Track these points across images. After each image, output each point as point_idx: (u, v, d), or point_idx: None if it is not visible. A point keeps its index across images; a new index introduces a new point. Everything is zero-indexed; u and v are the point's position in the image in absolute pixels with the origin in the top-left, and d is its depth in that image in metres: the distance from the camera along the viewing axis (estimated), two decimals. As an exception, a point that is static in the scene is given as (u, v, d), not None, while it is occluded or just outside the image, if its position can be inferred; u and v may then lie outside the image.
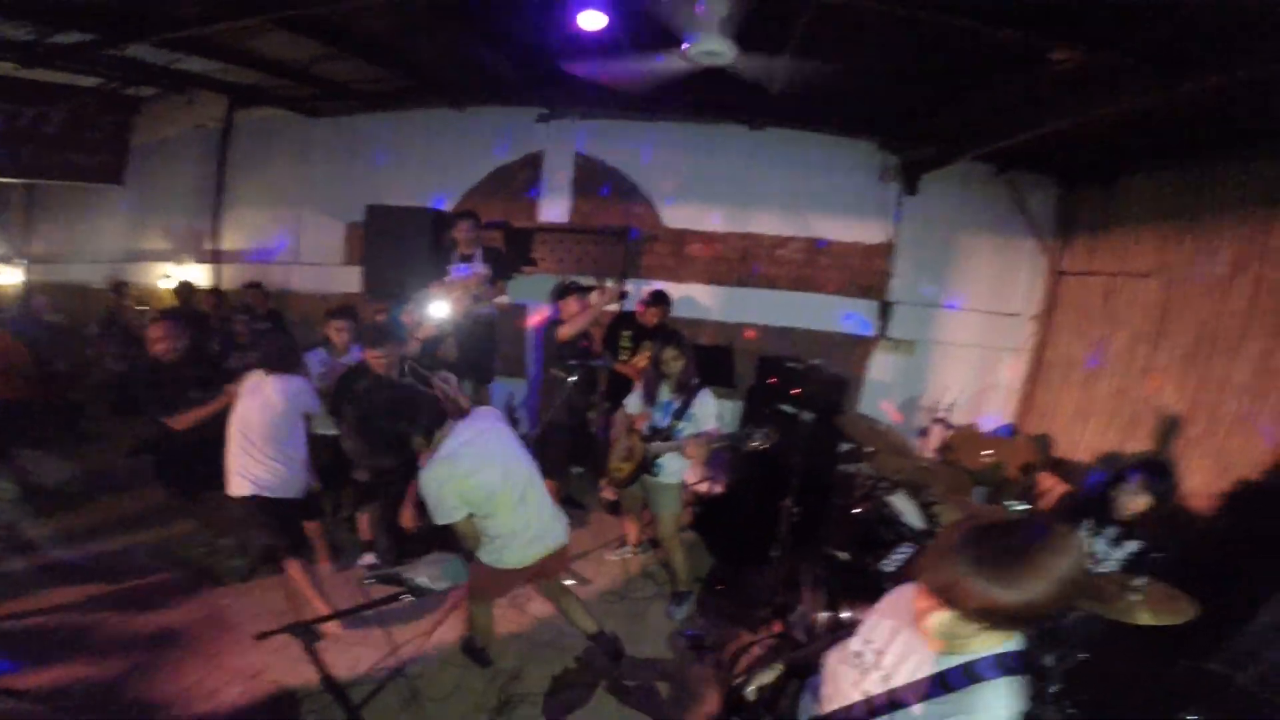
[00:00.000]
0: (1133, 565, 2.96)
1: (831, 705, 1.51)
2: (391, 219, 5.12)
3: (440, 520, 2.73)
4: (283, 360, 3.54)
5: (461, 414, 2.83)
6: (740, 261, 5.82)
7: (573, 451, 4.98)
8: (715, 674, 3.35)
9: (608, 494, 4.87)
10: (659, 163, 5.87)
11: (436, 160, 6.17)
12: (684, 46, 3.23)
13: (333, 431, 4.07)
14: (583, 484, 5.50)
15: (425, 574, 1.90)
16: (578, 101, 5.62)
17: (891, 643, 1.46)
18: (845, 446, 4.68)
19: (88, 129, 5.74)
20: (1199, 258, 4.21)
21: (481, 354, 5.22)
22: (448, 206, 6.00)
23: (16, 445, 5.32)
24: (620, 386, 4.30)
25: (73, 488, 4.94)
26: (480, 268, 5.01)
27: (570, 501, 5.27)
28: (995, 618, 1.23)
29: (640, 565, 4.41)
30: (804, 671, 1.74)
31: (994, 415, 5.62)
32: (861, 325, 5.72)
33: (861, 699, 1.44)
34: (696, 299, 5.87)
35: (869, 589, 3.19)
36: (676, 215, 5.89)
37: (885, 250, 5.63)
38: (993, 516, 1.33)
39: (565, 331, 4.47)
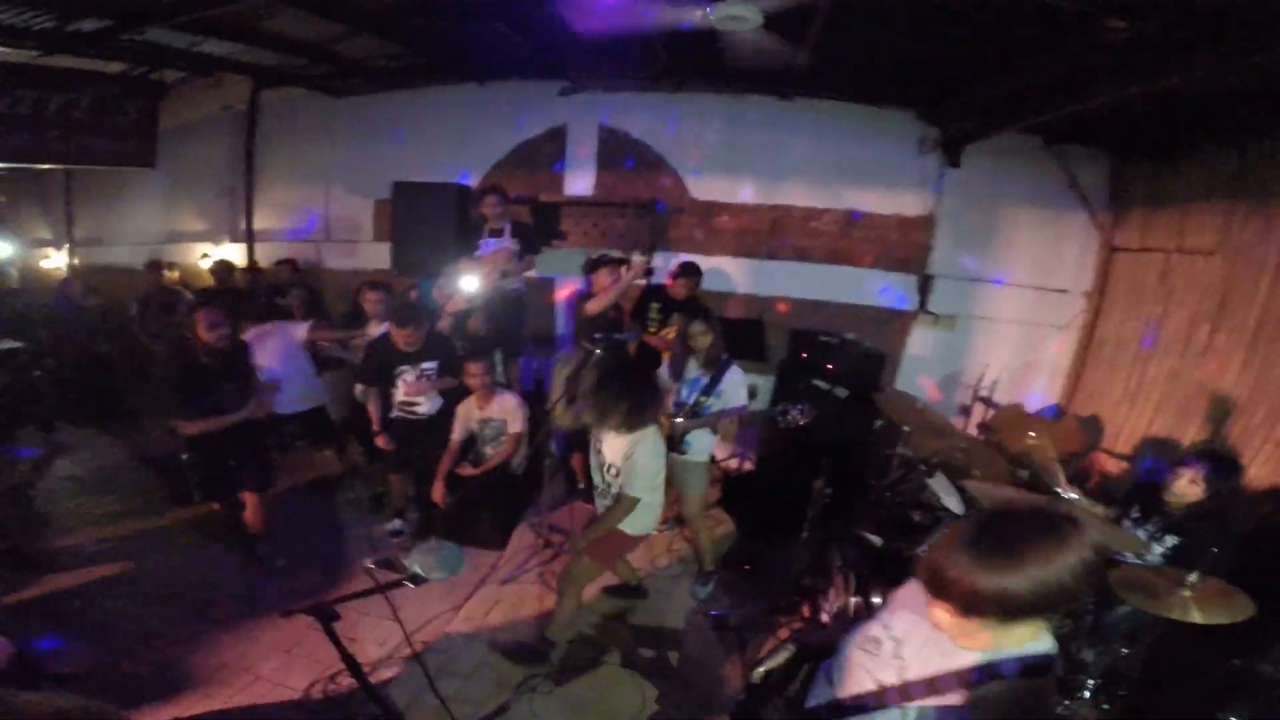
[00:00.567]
0: (1173, 560, 2.82)
1: (844, 691, 1.44)
2: (418, 195, 5.11)
3: (633, 491, 2.83)
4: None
5: None
6: (770, 233, 5.66)
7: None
8: (738, 654, 3.29)
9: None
10: (685, 135, 5.73)
11: (460, 136, 6.12)
12: (709, 9, 3.07)
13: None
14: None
15: (421, 563, 1.88)
16: (601, 74, 5.51)
17: (913, 633, 1.37)
18: (880, 425, 4.55)
19: (116, 114, 5.79)
20: (1265, 236, 3.92)
21: (510, 328, 5.21)
22: (473, 182, 5.94)
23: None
24: (649, 360, 4.21)
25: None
26: (508, 242, 4.96)
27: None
28: (978, 608, 1.14)
29: (666, 543, 4.36)
30: (819, 655, 1.66)
31: (1039, 395, 5.41)
32: (899, 299, 5.54)
33: (875, 688, 1.36)
34: (726, 271, 5.75)
35: (902, 575, 3.09)
36: (704, 187, 5.75)
37: (925, 223, 5.41)
38: (1002, 503, 1.22)
39: (593, 306, 4.42)
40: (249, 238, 7.09)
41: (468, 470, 4.26)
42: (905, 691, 1.31)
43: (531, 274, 5.64)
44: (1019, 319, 5.39)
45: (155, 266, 6.66)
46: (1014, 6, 2.96)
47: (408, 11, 4.45)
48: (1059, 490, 2.62)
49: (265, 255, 7.06)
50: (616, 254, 4.99)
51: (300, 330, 4.60)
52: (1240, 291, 4.02)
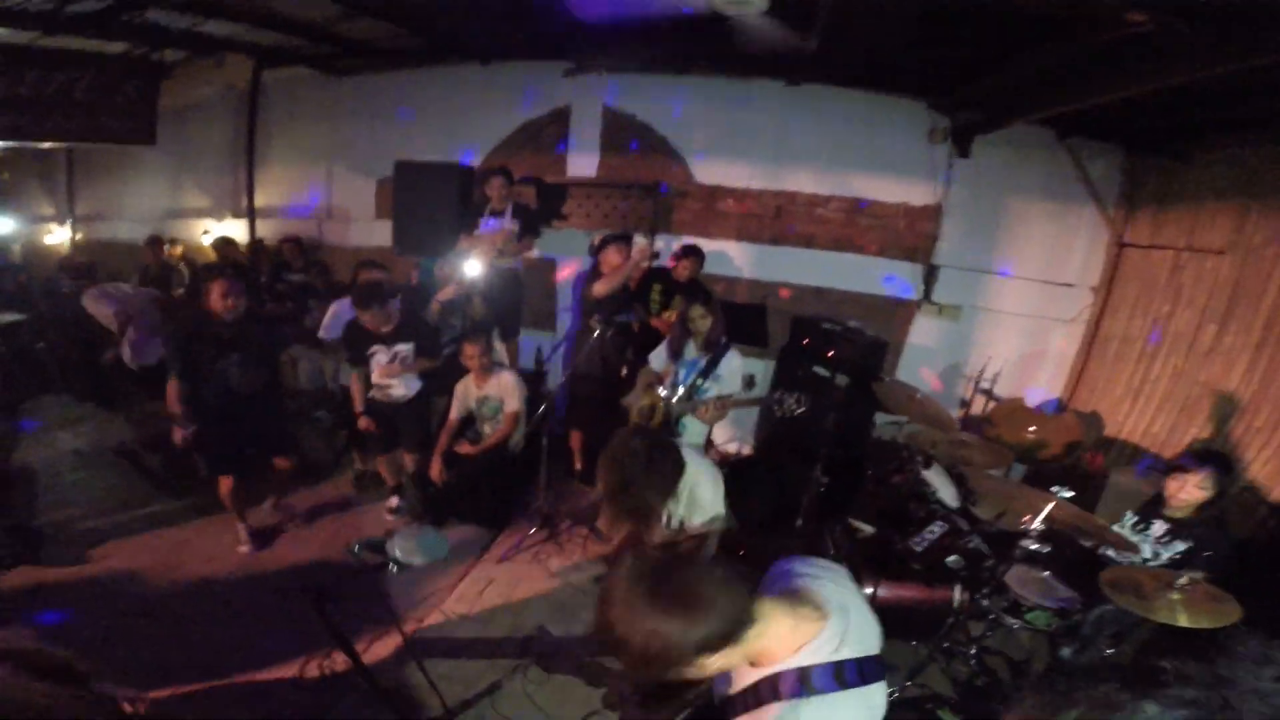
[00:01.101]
0: (1179, 566, 2.80)
1: (722, 693, 1.38)
2: (420, 175, 5.08)
3: (712, 520, 2.55)
4: None
5: None
6: (774, 219, 5.59)
7: (604, 406, 4.92)
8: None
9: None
10: (690, 118, 5.65)
11: (463, 116, 6.07)
12: None
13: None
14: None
15: (401, 548, 1.88)
16: (605, 55, 5.41)
17: None
18: (881, 414, 4.53)
19: (116, 93, 5.82)
20: (1277, 237, 3.85)
21: (508, 308, 5.19)
22: (475, 162, 5.90)
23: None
24: (653, 341, 4.19)
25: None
26: (508, 223, 4.92)
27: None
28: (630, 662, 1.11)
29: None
30: None
31: (1041, 388, 5.36)
32: (903, 288, 5.48)
33: (740, 691, 1.29)
34: (729, 255, 5.70)
35: (894, 566, 3.10)
36: (708, 171, 5.68)
37: (932, 212, 5.32)
38: (660, 557, 1.20)
39: (601, 287, 4.42)
40: (250, 215, 7.10)
41: (466, 448, 4.26)
42: (756, 694, 1.24)
43: (533, 254, 5.60)
44: (1024, 312, 5.32)
45: (156, 242, 6.66)
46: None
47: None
48: (1056, 489, 2.59)
49: (267, 232, 7.09)
50: (621, 234, 4.97)
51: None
52: (1249, 293, 3.97)
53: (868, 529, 3.31)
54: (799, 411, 3.12)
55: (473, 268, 4.51)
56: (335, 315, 4.59)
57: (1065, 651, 2.92)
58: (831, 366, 4.51)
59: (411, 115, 6.26)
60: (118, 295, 5.54)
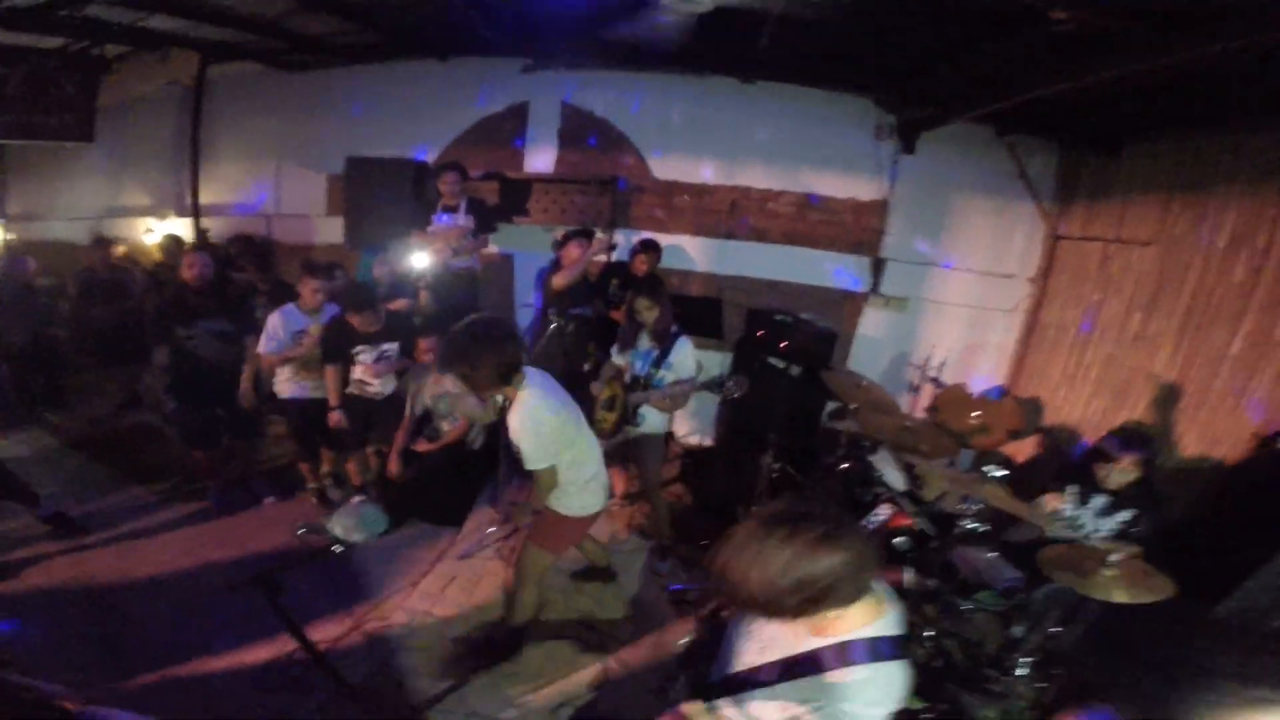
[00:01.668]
0: (1128, 533, 2.96)
1: (729, 669, 1.51)
2: (372, 171, 5.01)
3: (534, 465, 2.57)
4: None
5: None
6: (729, 214, 5.69)
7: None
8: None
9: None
10: (648, 114, 5.71)
11: (419, 112, 5.99)
12: None
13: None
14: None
15: (340, 525, 1.90)
16: (564, 52, 5.42)
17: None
18: (832, 403, 4.66)
19: (53, 89, 5.55)
20: (1199, 228, 4.09)
21: (463, 305, 5.13)
22: (431, 158, 5.83)
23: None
24: (613, 336, 4.24)
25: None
26: (462, 219, 4.89)
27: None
28: (749, 602, 1.24)
29: (626, 517, 4.42)
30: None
31: (985, 376, 5.59)
32: (852, 281, 5.64)
33: (746, 669, 1.44)
34: (686, 250, 5.77)
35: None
36: (665, 167, 5.74)
37: (880, 207, 5.50)
38: (784, 504, 1.29)
39: (559, 280, 4.46)
40: (195, 212, 6.85)
41: (424, 446, 4.24)
42: (769, 670, 1.39)
43: (492, 250, 5.58)
44: (967, 302, 5.54)
45: (103, 243, 6.32)
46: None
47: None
48: (987, 470, 2.73)
49: (213, 230, 6.84)
50: (584, 229, 5.00)
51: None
52: (1172, 281, 4.21)
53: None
54: (738, 394, 3.20)
55: (420, 264, 4.44)
56: (278, 328, 4.02)
57: (1017, 630, 3.07)
58: (785, 357, 4.62)
59: (365, 111, 6.16)
60: None
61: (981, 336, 5.61)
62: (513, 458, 2.77)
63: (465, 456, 4.32)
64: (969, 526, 2.75)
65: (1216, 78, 3.30)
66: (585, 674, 3.06)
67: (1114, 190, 4.84)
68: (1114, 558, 2.46)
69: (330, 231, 6.03)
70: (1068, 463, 4.28)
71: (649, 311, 3.52)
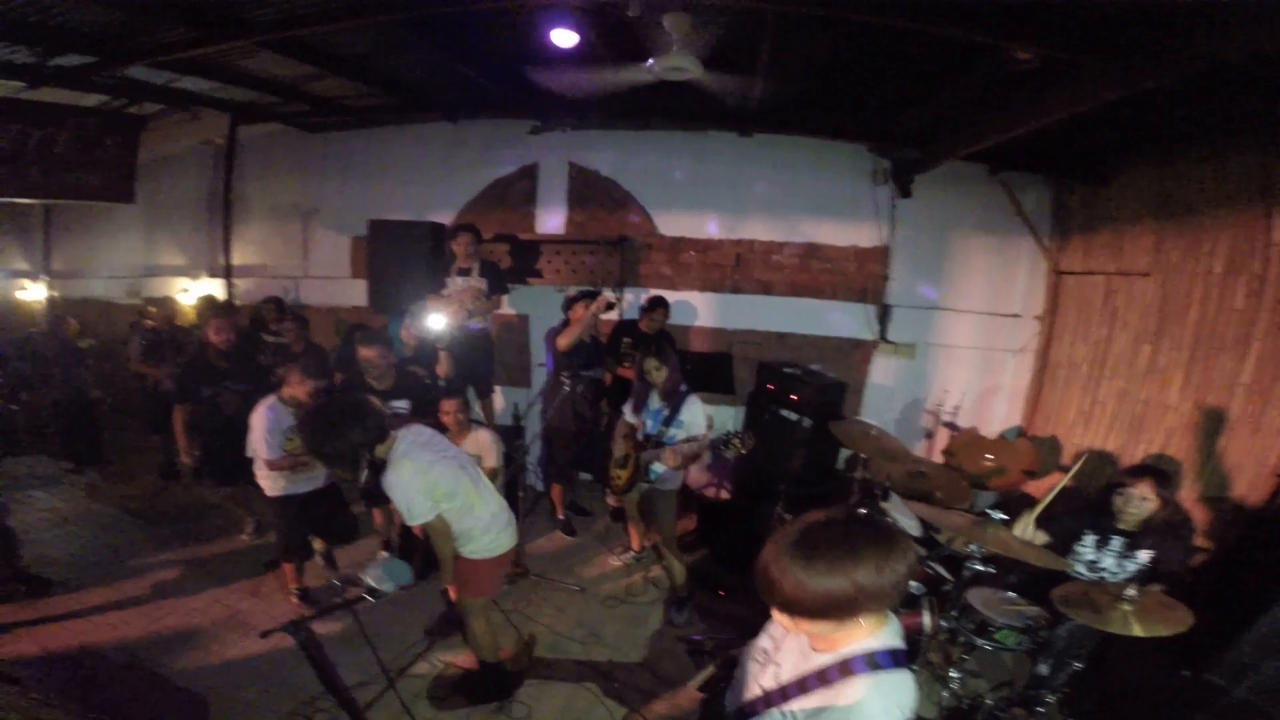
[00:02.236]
0: (1146, 576, 2.93)
1: (741, 699, 1.55)
2: (392, 233, 5.21)
3: (415, 520, 2.73)
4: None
5: (398, 424, 2.87)
6: (735, 268, 5.82)
7: (579, 458, 5.05)
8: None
9: (611, 500, 4.93)
10: (652, 172, 5.90)
11: (434, 173, 6.25)
12: (649, 62, 3.28)
13: None
14: (590, 491, 5.56)
15: (371, 576, 2.00)
16: (569, 112, 5.68)
17: (785, 639, 1.51)
18: (846, 452, 4.68)
19: (95, 148, 5.86)
20: (1194, 255, 4.14)
21: (479, 367, 5.29)
22: (447, 219, 6.06)
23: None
24: (626, 393, 4.35)
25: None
26: (475, 281, 5.07)
27: (577, 508, 5.34)
28: (793, 605, 1.25)
29: (643, 571, 4.47)
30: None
31: (1001, 417, 5.57)
32: (859, 329, 5.69)
33: (761, 694, 1.48)
34: (693, 305, 5.90)
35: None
36: (671, 223, 5.91)
37: (881, 254, 5.59)
38: (830, 512, 1.32)
39: (563, 340, 4.58)
40: (228, 273, 7.13)
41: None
42: (781, 694, 1.43)
43: (506, 311, 5.75)
44: (974, 344, 5.56)
45: (165, 302, 6.62)
46: (931, 37, 3.10)
47: (380, 54, 4.64)
48: (989, 512, 2.74)
49: (243, 291, 7.12)
50: (591, 289, 5.16)
51: None
52: (1175, 311, 4.23)
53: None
54: (745, 451, 3.25)
55: (437, 326, 4.60)
56: (268, 431, 3.73)
57: (1041, 668, 3.03)
58: (796, 409, 4.68)
59: (383, 172, 6.42)
60: None
61: (993, 378, 5.60)
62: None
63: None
64: (977, 568, 2.75)
65: (1189, 99, 3.40)
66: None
67: (1109, 221, 4.90)
68: (1130, 592, 2.44)
69: (355, 294, 6.23)
70: (1087, 499, 4.23)
71: (658, 372, 3.62)
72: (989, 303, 5.54)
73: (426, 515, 2.72)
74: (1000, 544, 2.64)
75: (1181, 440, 4.02)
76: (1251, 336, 3.71)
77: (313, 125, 6.53)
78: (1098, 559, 3.08)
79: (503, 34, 4.00)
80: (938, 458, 5.27)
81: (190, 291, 7.20)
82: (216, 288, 7.15)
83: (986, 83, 3.61)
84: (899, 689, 1.31)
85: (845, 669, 1.32)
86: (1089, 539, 3.16)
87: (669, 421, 3.63)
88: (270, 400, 3.77)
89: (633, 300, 5.75)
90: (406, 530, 4.31)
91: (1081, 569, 3.06)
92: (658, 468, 3.69)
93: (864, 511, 1.52)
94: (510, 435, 5.10)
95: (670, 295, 5.37)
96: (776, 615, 1.32)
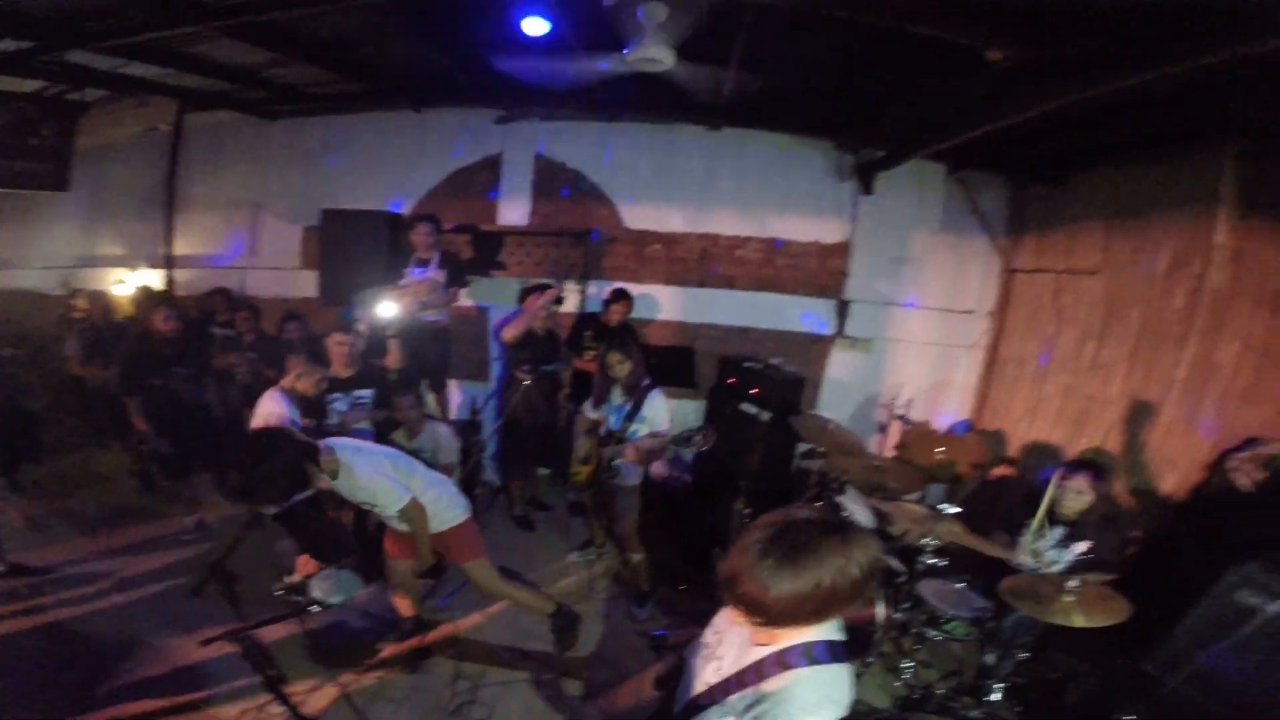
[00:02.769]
0: (1083, 566, 3.04)
1: (689, 694, 1.57)
2: (347, 223, 5.06)
3: (396, 506, 2.84)
4: None
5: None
6: (700, 262, 5.83)
7: (538, 452, 5.01)
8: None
9: (572, 495, 4.92)
10: (620, 164, 5.85)
11: (394, 163, 6.09)
12: (624, 52, 3.24)
13: None
14: (549, 486, 5.52)
15: (320, 588, 1.98)
16: (536, 103, 5.57)
17: (727, 632, 1.53)
18: (804, 446, 4.75)
19: (30, 135, 5.57)
20: (1140, 255, 4.31)
21: (434, 360, 5.18)
22: (405, 209, 5.92)
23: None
24: (587, 387, 4.32)
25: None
26: (433, 273, 4.95)
27: (536, 503, 5.30)
28: (766, 612, 1.26)
29: (605, 566, 4.45)
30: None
31: (950, 412, 5.72)
32: (819, 324, 5.77)
33: (704, 688, 1.50)
34: (658, 299, 5.89)
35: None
36: (638, 216, 5.87)
37: (842, 249, 5.68)
38: (792, 513, 1.32)
39: (508, 332, 4.53)
40: (169, 264, 6.81)
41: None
42: (723, 688, 1.44)
43: (465, 303, 5.65)
44: (929, 340, 5.70)
45: (81, 295, 6.15)
46: (907, 37, 3.12)
47: (345, 42, 4.47)
48: (942, 507, 2.82)
49: (185, 283, 6.81)
50: (548, 282, 5.10)
51: None
52: (1120, 309, 4.40)
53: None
54: (706, 447, 3.28)
55: (388, 315, 4.48)
56: (287, 417, 3.61)
57: (989, 658, 3.14)
58: (757, 403, 4.72)
59: (340, 161, 6.22)
60: None
61: (945, 373, 5.75)
62: None
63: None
64: (930, 561, 2.83)
65: (1149, 109, 3.53)
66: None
67: (1062, 221, 5.06)
68: (1072, 584, 2.54)
69: (305, 286, 6.02)
70: (1031, 491, 4.39)
71: (620, 366, 3.59)
72: (944, 299, 5.68)
73: (404, 497, 2.84)
74: (954, 538, 2.72)
75: (1120, 435, 4.20)
76: (1189, 335, 3.89)
77: (268, 113, 6.28)
78: (1039, 549, 3.19)
79: (475, 21, 3.89)
80: (891, 451, 5.39)
81: (127, 283, 6.83)
82: (155, 279, 6.82)
83: (960, 83, 3.66)
84: (832, 683, 1.32)
85: (783, 662, 1.34)
86: (1031, 527, 3.28)
87: (631, 416, 3.62)
88: (276, 392, 3.68)
89: (596, 293, 5.72)
90: (360, 529, 4.23)
91: (1027, 559, 3.18)
92: (619, 463, 3.68)
93: (821, 505, 1.53)
94: (467, 430, 5.03)
95: (634, 288, 5.33)
96: (734, 613, 1.33)
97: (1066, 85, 3.12)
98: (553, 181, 5.93)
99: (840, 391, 5.81)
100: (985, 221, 5.59)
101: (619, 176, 5.87)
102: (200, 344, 4.99)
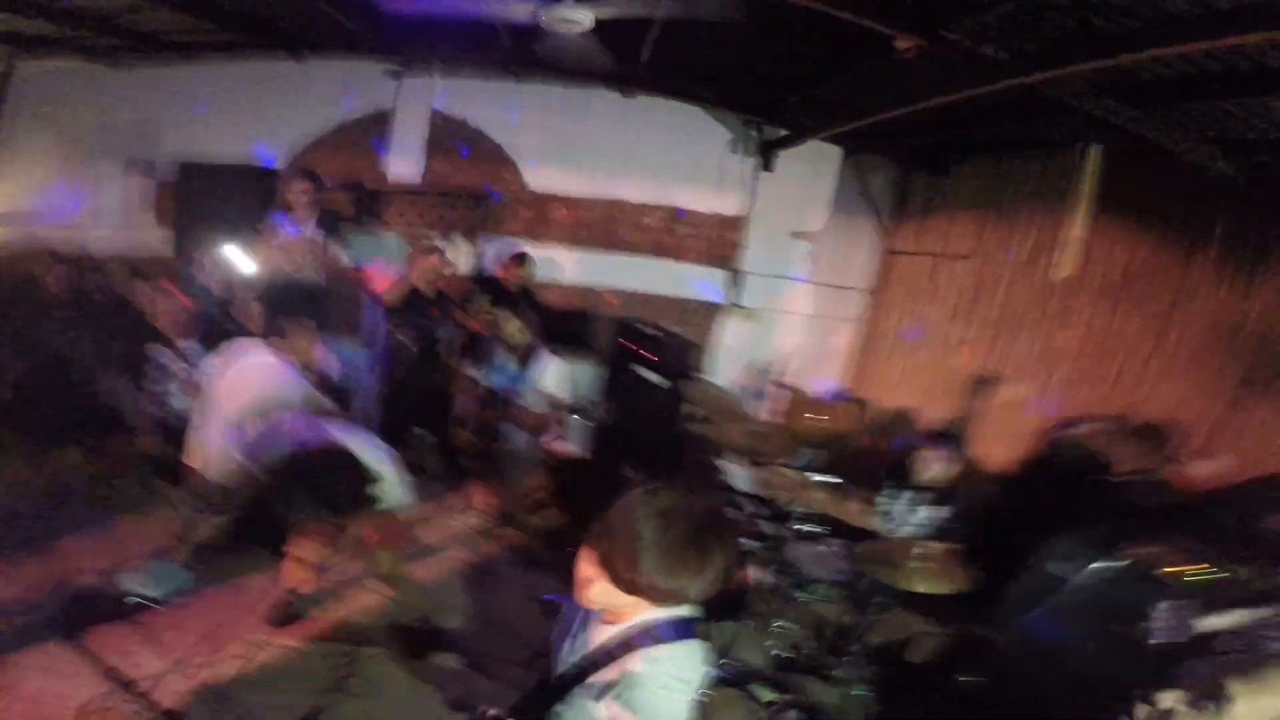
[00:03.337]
0: (939, 531, 3.26)
1: (554, 672, 1.54)
2: (209, 177, 4.61)
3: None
4: None
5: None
6: (604, 227, 5.79)
7: (419, 416, 4.84)
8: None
9: (457, 460, 4.80)
10: (526, 125, 5.66)
11: (270, 114, 5.53)
12: (539, 12, 3.10)
13: None
14: (431, 452, 5.36)
15: (134, 581, 1.88)
16: (438, 57, 5.27)
17: (578, 611, 1.49)
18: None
19: None
20: (1005, 243, 4.69)
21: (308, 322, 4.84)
22: (281, 164, 5.45)
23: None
24: (477, 349, 4.21)
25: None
26: (310, 231, 4.60)
27: (416, 468, 5.12)
28: (651, 596, 1.24)
29: (493, 530, 4.40)
30: None
31: (830, 381, 6.06)
32: (715, 293, 5.92)
33: (563, 668, 1.48)
34: (560, 263, 5.79)
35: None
36: (542, 178, 5.72)
37: (739, 222, 5.82)
38: (675, 499, 1.28)
39: (387, 296, 4.33)
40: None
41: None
42: (579, 671, 1.40)
43: (344, 262, 5.32)
44: (814, 313, 6.02)
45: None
46: (825, 19, 3.13)
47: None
48: (812, 474, 2.99)
49: (10, 239, 5.81)
50: (435, 243, 4.89)
51: None
52: (986, 291, 4.78)
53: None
54: (603, 419, 3.30)
55: (248, 270, 4.14)
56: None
57: (847, 619, 3.35)
58: (654, 369, 4.78)
59: (204, 112, 5.56)
60: None
61: (827, 344, 6.09)
62: None
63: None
64: (802, 527, 3.00)
65: (1025, 110, 3.79)
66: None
67: (942, 208, 5.41)
68: (918, 550, 2.76)
69: (158, 244, 5.40)
70: (894, 459, 4.73)
71: (512, 326, 3.52)
72: (831, 275, 5.98)
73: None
74: (822, 504, 2.88)
75: (977, 406, 4.57)
76: (1041, 319, 4.27)
77: (120, 61, 5.48)
78: (891, 511, 3.44)
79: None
80: (771, 417, 5.64)
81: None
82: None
83: (866, 70, 3.77)
84: (678, 660, 1.30)
85: (628, 643, 1.32)
86: (886, 494, 3.50)
87: (522, 380, 3.57)
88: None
89: (495, 254, 5.54)
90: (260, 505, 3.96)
91: (878, 522, 3.40)
92: (508, 431, 3.64)
93: (705, 469, 1.53)
94: (339, 393, 4.78)
95: (536, 251, 5.22)
96: (592, 593, 1.28)
97: (963, 80, 3.28)
98: (450, 139, 5.65)
99: (729, 359, 5.99)
100: (874, 204, 5.89)
101: (525, 137, 5.69)
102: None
